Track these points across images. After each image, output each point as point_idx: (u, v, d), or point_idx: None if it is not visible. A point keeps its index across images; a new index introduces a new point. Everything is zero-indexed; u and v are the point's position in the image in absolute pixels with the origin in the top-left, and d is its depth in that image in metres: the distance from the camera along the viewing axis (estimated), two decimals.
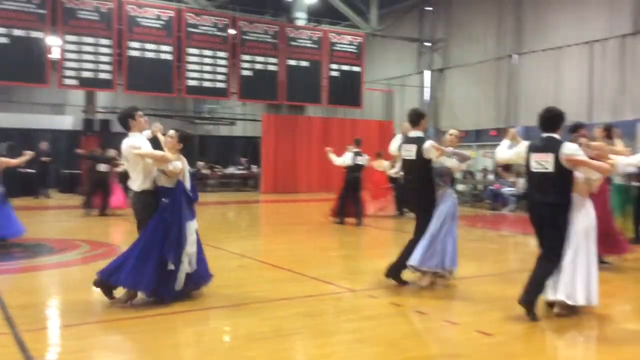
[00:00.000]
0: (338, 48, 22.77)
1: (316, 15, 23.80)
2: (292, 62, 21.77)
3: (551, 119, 5.36)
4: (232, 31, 20.73)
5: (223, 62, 20.46)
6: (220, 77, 20.42)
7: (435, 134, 25.07)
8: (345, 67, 22.92)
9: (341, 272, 7.37)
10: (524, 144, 5.51)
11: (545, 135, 5.29)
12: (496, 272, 7.36)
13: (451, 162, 6.34)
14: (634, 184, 9.53)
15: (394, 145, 7.05)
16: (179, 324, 4.98)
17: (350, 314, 5.23)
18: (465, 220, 12.66)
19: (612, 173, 7.23)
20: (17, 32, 17.33)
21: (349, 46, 23.00)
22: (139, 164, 5.47)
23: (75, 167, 19.49)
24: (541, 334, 4.79)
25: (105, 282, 5.36)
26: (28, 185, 17.86)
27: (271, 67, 21.42)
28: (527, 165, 5.32)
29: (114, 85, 19.21)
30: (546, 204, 5.13)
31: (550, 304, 5.27)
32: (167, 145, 5.54)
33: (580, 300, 5.08)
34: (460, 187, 19.60)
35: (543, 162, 5.13)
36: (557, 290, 5.09)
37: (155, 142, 5.75)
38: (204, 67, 20.15)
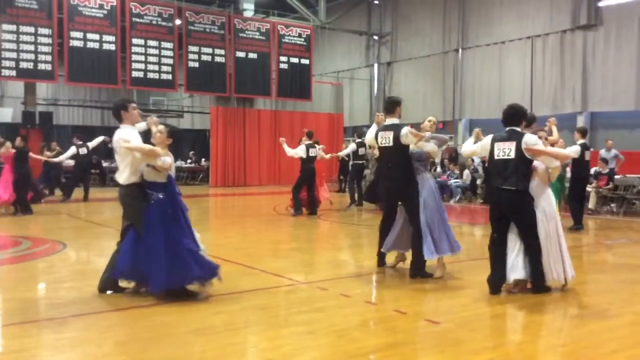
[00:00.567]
0: (287, 40, 22.69)
1: (264, 7, 23.66)
2: (241, 54, 21.58)
3: (513, 114, 5.79)
4: (178, 21, 20.36)
5: (169, 53, 20.09)
6: (166, 68, 20.04)
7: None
8: (294, 60, 22.88)
9: (292, 265, 7.38)
10: (487, 138, 5.93)
11: (508, 128, 5.75)
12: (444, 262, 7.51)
13: (430, 147, 6.40)
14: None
15: (370, 134, 7.03)
16: (126, 320, 4.88)
17: (301, 306, 5.24)
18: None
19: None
20: None
21: (297, 39, 22.96)
22: (128, 157, 5.38)
23: None
24: (487, 320, 4.93)
25: (161, 289, 5.27)
26: None
27: (219, 59, 21.17)
28: (491, 155, 5.77)
29: (54, 76, 18.58)
30: (505, 190, 5.55)
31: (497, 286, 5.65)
32: (157, 140, 5.46)
33: (556, 277, 5.62)
34: None
35: (506, 150, 5.60)
36: (518, 271, 5.55)
37: (148, 135, 5.67)
38: (149, 58, 19.73)
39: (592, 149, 11.46)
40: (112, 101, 27.09)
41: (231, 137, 22.04)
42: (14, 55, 17.67)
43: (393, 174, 6.40)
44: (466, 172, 16.79)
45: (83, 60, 18.56)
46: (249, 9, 22.95)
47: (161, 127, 5.60)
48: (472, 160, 17.90)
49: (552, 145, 7.36)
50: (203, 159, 24.44)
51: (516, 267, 5.59)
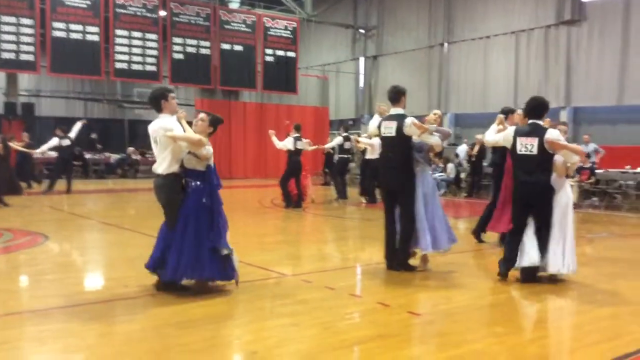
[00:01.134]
0: (272, 33, 22.60)
1: None
2: (226, 46, 21.46)
3: (535, 107, 5.90)
4: (162, 12, 20.18)
5: (153, 44, 19.92)
6: (150, 59, 19.87)
7: (370, 120, 25.42)
8: (280, 53, 22.79)
9: (277, 258, 7.37)
10: (511, 129, 6.08)
11: (530, 121, 5.87)
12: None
13: (434, 140, 6.32)
14: None
15: (373, 124, 6.95)
16: (109, 312, 4.85)
17: (286, 299, 5.25)
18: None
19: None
20: None
21: (283, 31, 22.87)
22: (169, 146, 5.28)
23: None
24: (469, 312, 4.97)
25: (171, 282, 5.23)
26: None
27: (204, 51, 21.04)
28: (513, 148, 5.91)
29: (37, 67, 18.35)
30: (530, 183, 5.77)
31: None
32: (198, 129, 5.38)
33: (562, 270, 5.79)
34: None
35: (528, 145, 5.75)
36: (529, 259, 5.75)
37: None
38: (133, 49, 19.55)
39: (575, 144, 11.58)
40: (97, 92, 26.89)
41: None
42: None
43: (392, 164, 6.33)
44: (450, 166, 16.88)
45: (66, 51, 18.34)
46: (234, 1, 22.82)
47: (203, 115, 5.53)
48: (457, 155, 18.00)
49: None
50: None
51: (526, 255, 5.79)
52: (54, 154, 15.76)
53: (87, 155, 21.87)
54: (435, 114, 6.62)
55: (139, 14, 19.65)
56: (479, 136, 16.38)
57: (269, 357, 3.83)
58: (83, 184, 17.98)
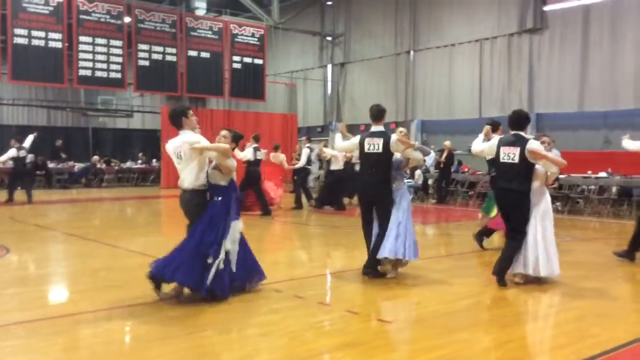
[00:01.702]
0: (240, 40, 22.51)
1: (217, 6, 23.42)
2: (193, 53, 21.29)
3: (518, 119, 6.26)
4: (127, 19, 19.91)
5: (118, 51, 19.61)
6: (115, 67, 19.55)
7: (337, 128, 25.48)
8: (247, 60, 22.71)
9: None
10: (495, 139, 6.43)
11: (513, 132, 6.21)
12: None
13: (416, 154, 6.68)
14: None
15: (345, 143, 7.16)
16: (72, 326, 4.73)
17: (255, 309, 5.20)
18: None
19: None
20: None
21: (251, 38, 22.81)
22: (194, 159, 5.33)
23: None
24: (438, 318, 5.00)
25: (159, 277, 5.26)
26: None
27: (170, 58, 20.83)
28: (497, 156, 6.24)
29: None
30: (509, 190, 6.09)
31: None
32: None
33: (543, 272, 6.07)
34: None
35: (511, 154, 6.08)
36: (522, 265, 6.10)
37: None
38: (97, 56, 19.21)
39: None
40: (60, 100, 26.34)
41: None
42: None
43: (374, 179, 6.55)
44: (418, 172, 17.05)
45: (27, 58, 17.91)
46: (201, 8, 22.65)
47: (225, 132, 5.68)
48: (424, 160, 18.18)
49: None
50: (154, 160, 23.99)
51: (520, 261, 6.11)
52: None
53: (50, 165, 21.40)
54: (401, 132, 6.77)
55: (103, 20, 19.35)
56: (446, 143, 16.61)
57: None
58: (46, 194, 17.57)
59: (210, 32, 21.80)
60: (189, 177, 5.40)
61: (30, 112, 28.62)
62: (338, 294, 5.98)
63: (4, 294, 5.78)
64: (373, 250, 6.40)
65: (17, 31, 17.77)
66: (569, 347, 4.23)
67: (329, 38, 25.48)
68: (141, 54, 20.19)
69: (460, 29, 20.43)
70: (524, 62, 18.66)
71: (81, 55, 18.94)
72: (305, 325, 4.72)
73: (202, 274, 5.24)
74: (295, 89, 26.02)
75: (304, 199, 14.47)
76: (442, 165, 16.42)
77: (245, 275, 5.67)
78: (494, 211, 10.82)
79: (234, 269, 5.48)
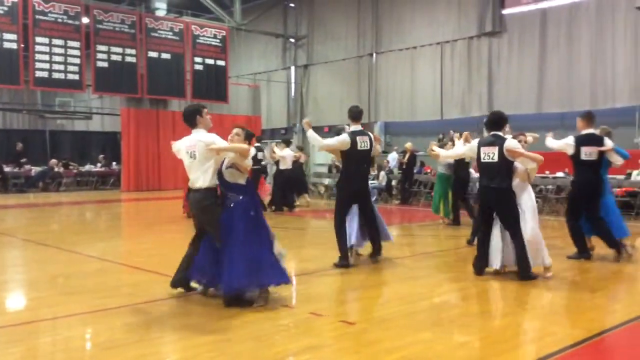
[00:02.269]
0: (202, 41, 22.32)
1: (177, 7, 23.15)
2: (153, 54, 21.00)
3: (495, 121, 6.62)
4: (85, 19, 19.51)
5: (76, 52, 19.21)
6: (72, 68, 19.15)
7: (302, 130, 25.49)
8: (209, 61, 22.54)
9: None
10: (475, 142, 6.79)
11: (492, 133, 6.56)
12: (358, 262, 7.63)
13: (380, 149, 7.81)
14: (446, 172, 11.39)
15: (330, 141, 7.42)
16: (28, 335, 4.60)
17: (217, 313, 5.15)
18: (330, 213, 13.00)
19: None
20: None
21: (213, 39, 22.64)
22: (210, 159, 5.27)
23: None
24: (400, 319, 5.04)
25: (233, 296, 5.26)
26: None
27: (130, 59, 20.51)
28: (478, 157, 6.57)
29: None
30: (491, 188, 6.38)
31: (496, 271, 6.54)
32: (234, 144, 5.43)
33: (540, 263, 6.40)
34: (326, 180, 20.12)
35: (490, 154, 6.40)
36: (505, 260, 6.43)
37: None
38: (54, 57, 18.79)
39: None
40: (16, 102, 25.61)
41: (144, 139, 21.36)
42: None
43: (365, 176, 7.43)
44: (382, 174, 17.18)
45: None
46: (161, 8, 22.36)
47: (238, 129, 5.61)
48: (388, 162, 18.35)
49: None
50: (114, 163, 23.55)
51: (496, 256, 6.43)
52: None
53: (7, 169, 20.78)
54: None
55: (60, 20, 18.92)
56: (407, 144, 16.79)
57: None
58: (2, 199, 17.08)
59: (171, 33, 21.54)
60: (205, 176, 5.33)
61: None
62: (302, 296, 5.97)
63: None
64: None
65: None
66: (529, 345, 4.32)
67: (292, 40, 25.47)
68: (100, 55, 19.84)
69: (421, 32, 20.68)
70: (483, 64, 19.01)
71: (37, 57, 18.50)
72: (269, 328, 4.69)
73: (274, 271, 5.32)
74: (258, 91, 25.92)
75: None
76: (404, 167, 16.60)
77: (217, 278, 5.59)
78: (442, 210, 11.47)
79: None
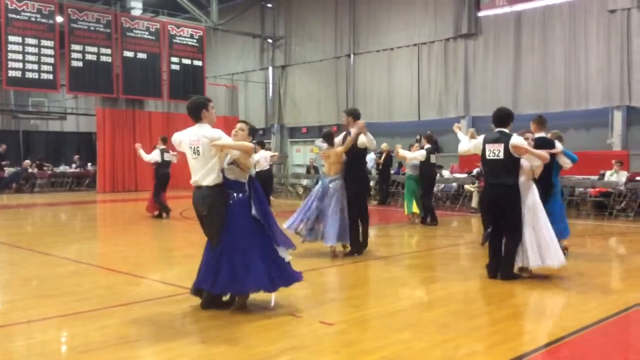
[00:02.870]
0: (178, 41, 22.15)
1: (153, 6, 22.94)
2: (129, 54, 20.79)
3: (501, 117, 6.57)
4: (59, 18, 19.23)
5: (49, 51, 18.93)
6: (46, 67, 18.87)
7: (280, 130, 25.45)
8: (186, 61, 22.39)
9: (185, 273, 7.14)
10: (480, 138, 6.71)
11: (497, 129, 6.50)
12: (336, 264, 7.63)
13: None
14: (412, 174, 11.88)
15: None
16: (8, 338, 4.50)
17: (194, 316, 5.11)
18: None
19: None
20: None
21: (189, 39, 22.49)
22: (215, 157, 5.05)
23: None
24: (378, 319, 5.05)
25: (240, 294, 5.18)
26: None
27: (105, 58, 20.27)
28: (483, 154, 6.50)
29: None
30: (498, 185, 6.33)
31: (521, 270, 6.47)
32: (239, 139, 5.23)
33: (548, 262, 6.27)
34: (305, 181, 20.11)
35: (495, 151, 6.35)
36: (526, 259, 6.29)
37: None
38: (27, 56, 18.49)
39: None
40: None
41: (120, 140, 21.11)
42: None
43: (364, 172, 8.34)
44: None
45: None
46: (137, 8, 22.13)
47: (242, 124, 5.37)
48: (365, 163, 18.38)
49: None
50: (89, 164, 23.23)
51: (520, 255, 6.30)
52: None
53: None
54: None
55: (33, 19, 18.62)
56: (383, 145, 16.86)
57: None
58: None
59: (147, 33, 21.34)
60: (211, 174, 5.09)
61: None
62: (280, 297, 5.94)
63: None
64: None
65: None
66: (505, 344, 4.36)
67: (270, 40, 25.41)
68: (74, 55, 19.58)
69: (398, 34, 20.80)
70: (459, 66, 19.18)
71: (10, 56, 18.20)
72: (247, 330, 4.66)
73: (270, 274, 5.19)
74: (236, 91, 25.79)
75: None
76: (380, 167, 16.71)
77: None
78: (414, 207, 11.81)
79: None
